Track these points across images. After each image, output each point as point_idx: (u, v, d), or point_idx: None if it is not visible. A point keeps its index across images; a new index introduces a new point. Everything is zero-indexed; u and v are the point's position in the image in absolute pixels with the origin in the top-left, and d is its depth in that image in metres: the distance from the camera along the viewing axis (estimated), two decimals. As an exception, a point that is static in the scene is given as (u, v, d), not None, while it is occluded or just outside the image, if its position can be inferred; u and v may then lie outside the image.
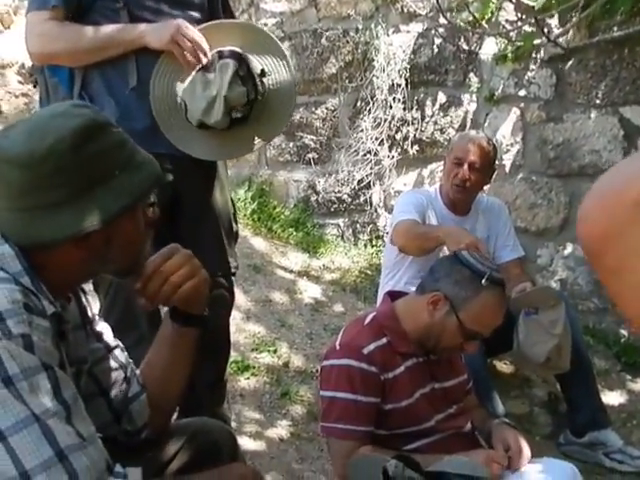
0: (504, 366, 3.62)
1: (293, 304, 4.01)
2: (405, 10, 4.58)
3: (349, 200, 4.86)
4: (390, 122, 4.60)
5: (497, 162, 3.41)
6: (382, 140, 4.64)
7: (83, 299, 1.54)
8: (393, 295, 2.25)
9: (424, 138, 4.60)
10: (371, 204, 4.79)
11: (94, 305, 1.69)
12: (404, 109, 4.58)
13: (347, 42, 4.71)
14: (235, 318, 3.26)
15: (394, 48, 4.55)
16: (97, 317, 1.59)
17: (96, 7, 2.22)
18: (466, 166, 3.08)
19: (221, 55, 2.20)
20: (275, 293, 4.05)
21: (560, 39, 4.09)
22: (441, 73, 4.53)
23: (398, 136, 4.64)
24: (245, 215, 4.69)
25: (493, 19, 4.32)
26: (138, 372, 1.62)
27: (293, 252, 4.58)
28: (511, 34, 4.31)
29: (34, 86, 3.03)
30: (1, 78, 4.79)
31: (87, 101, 2.20)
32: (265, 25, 4.91)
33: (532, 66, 4.25)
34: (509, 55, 4.28)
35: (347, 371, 2.01)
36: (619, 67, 4.00)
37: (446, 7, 4.30)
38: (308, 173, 4.96)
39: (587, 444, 3.06)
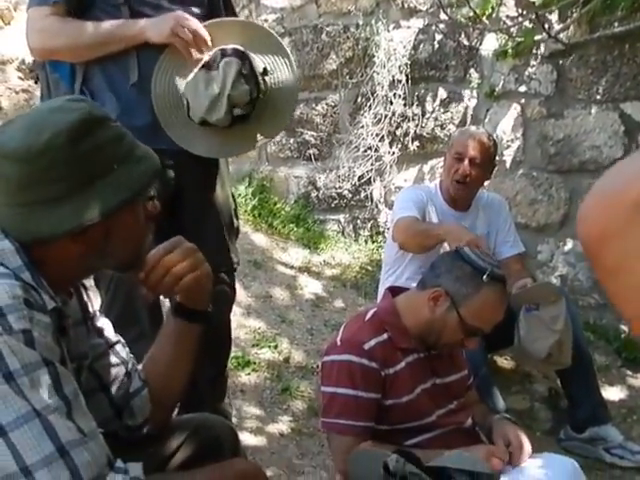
0: (505, 362, 3.62)
1: (294, 300, 4.01)
2: (405, 6, 4.57)
3: (350, 196, 4.85)
4: (390, 118, 4.59)
5: (497, 158, 3.41)
6: (382, 136, 4.64)
7: (84, 295, 1.54)
8: (394, 291, 2.25)
9: (424, 134, 4.60)
10: (372, 200, 4.79)
11: (95, 301, 1.69)
12: (404, 105, 4.57)
13: (347, 38, 4.70)
14: (236, 314, 3.27)
15: (394, 44, 4.55)
16: (98, 313, 1.59)
17: (97, 3, 2.22)
18: (467, 161, 3.08)
19: (224, 53, 2.20)
20: (276, 289, 4.05)
21: (561, 35, 4.08)
22: (441, 69, 4.53)
23: (398, 132, 4.64)
24: (246, 211, 4.69)
25: (494, 15, 4.32)
26: (140, 367, 1.62)
27: (294, 248, 4.58)
28: (512, 30, 4.30)
29: (35, 82, 3.02)
30: (1, 74, 4.78)
31: (88, 97, 2.20)
32: (265, 21, 4.90)
33: (533, 62, 4.25)
34: (509, 51, 4.27)
35: (348, 367, 2.01)
36: (620, 63, 4.00)
37: (446, 3, 4.30)
38: (309, 169, 4.95)
39: (587, 439, 3.06)
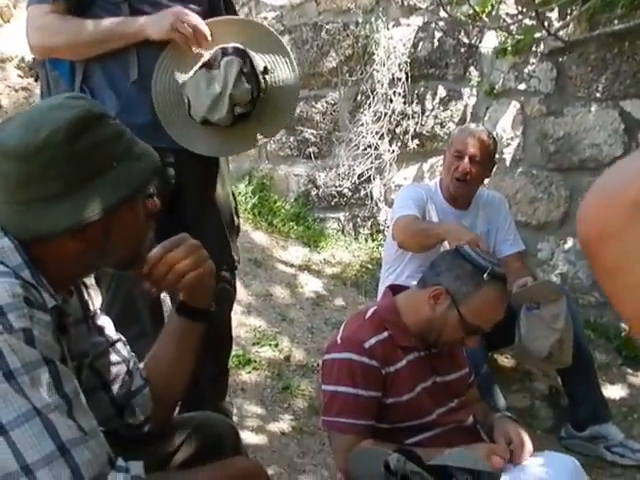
0: (505, 360, 3.62)
1: (294, 298, 4.01)
2: (405, 3, 4.57)
3: (349, 194, 4.85)
4: (390, 116, 4.59)
5: (497, 156, 3.41)
6: (382, 134, 4.63)
7: (85, 293, 1.54)
8: (394, 289, 2.24)
9: (424, 132, 4.60)
10: (372, 198, 4.79)
11: (96, 299, 1.69)
12: (404, 103, 4.57)
13: (347, 36, 4.70)
14: (236, 312, 3.26)
15: (394, 42, 4.55)
16: (99, 311, 1.59)
17: (97, 1, 2.22)
18: (466, 159, 3.07)
19: (225, 52, 2.19)
20: (276, 287, 4.05)
21: (560, 32, 4.08)
22: (441, 67, 4.52)
23: (398, 130, 4.64)
24: (246, 209, 4.69)
25: (493, 12, 4.32)
26: (141, 366, 1.62)
27: (294, 246, 4.58)
28: (511, 27, 4.30)
29: (35, 80, 3.02)
30: (1, 72, 4.77)
31: (88, 94, 2.20)
32: (265, 19, 4.90)
33: (532, 60, 4.25)
34: (509, 49, 4.27)
35: (348, 365, 2.01)
36: (620, 60, 3.99)
37: (446, 1, 4.29)
38: (308, 167, 4.95)
39: (588, 438, 3.06)
